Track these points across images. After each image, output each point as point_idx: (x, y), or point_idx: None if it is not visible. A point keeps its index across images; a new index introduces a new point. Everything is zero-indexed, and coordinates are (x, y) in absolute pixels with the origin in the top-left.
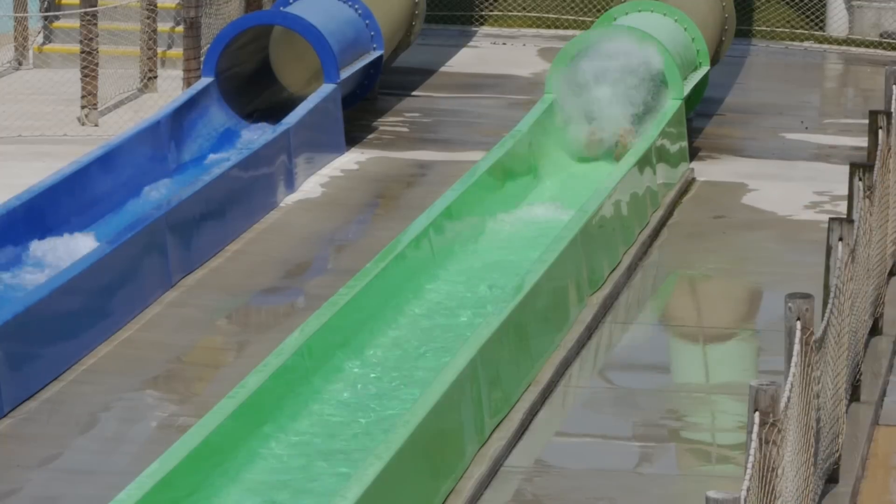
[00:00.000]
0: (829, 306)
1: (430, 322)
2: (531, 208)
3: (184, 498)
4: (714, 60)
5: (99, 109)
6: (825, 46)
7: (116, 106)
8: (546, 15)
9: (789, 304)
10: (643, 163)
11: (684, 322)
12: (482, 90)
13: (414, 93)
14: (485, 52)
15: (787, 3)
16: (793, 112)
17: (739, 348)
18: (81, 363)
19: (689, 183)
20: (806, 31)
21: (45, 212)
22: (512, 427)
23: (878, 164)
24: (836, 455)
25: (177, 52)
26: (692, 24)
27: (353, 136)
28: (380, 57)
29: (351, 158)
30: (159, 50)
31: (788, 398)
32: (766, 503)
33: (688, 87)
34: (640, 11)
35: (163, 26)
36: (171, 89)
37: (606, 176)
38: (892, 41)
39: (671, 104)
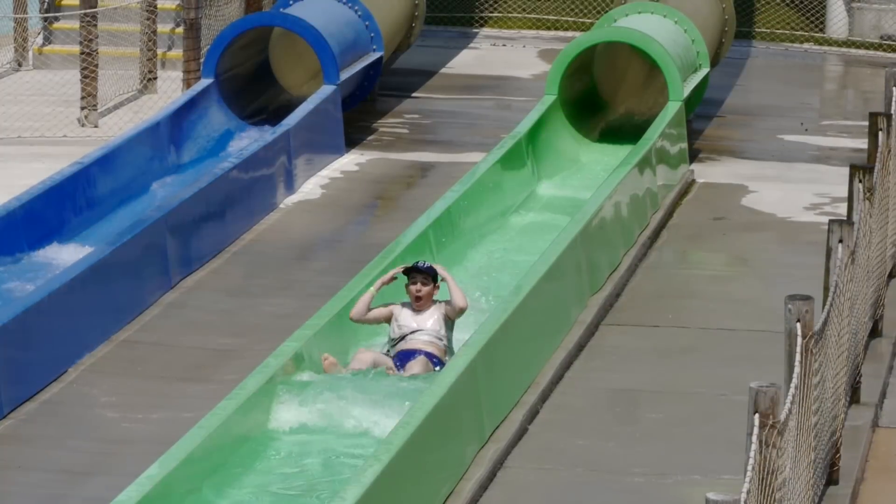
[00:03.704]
0: (829, 308)
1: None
2: (531, 210)
3: (183, 499)
4: (714, 62)
5: (99, 111)
6: (825, 48)
7: (116, 107)
8: (546, 16)
9: (789, 306)
10: (643, 164)
11: (684, 324)
12: (482, 92)
13: (414, 94)
14: (485, 54)
15: (787, 5)
16: (793, 114)
17: (739, 350)
18: (81, 363)
19: (688, 184)
20: (806, 33)
21: (44, 213)
22: (511, 428)
23: (878, 166)
24: (836, 457)
25: (176, 53)
26: (692, 26)
27: (353, 137)
28: (379, 58)
29: (350, 160)
30: (159, 51)
31: (788, 400)
32: None
33: (688, 89)
34: (640, 13)
35: (163, 28)
36: (170, 90)
37: (606, 177)
38: (891, 43)
39: (671, 106)
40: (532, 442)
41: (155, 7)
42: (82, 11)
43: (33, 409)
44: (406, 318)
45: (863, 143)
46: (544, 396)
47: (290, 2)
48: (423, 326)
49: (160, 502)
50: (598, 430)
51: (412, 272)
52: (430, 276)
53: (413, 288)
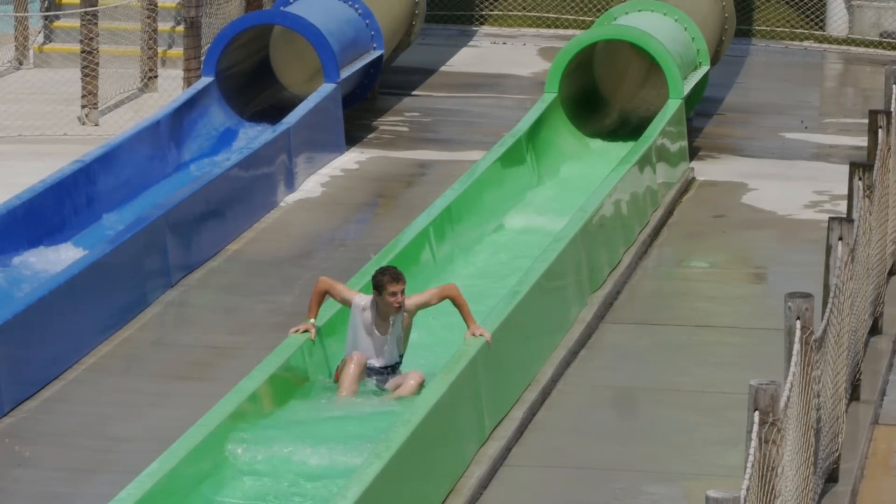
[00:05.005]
0: (829, 305)
1: (431, 321)
2: (531, 208)
3: (184, 496)
4: (714, 60)
5: (99, 109)
6: (825, 46)
7: (117, 105)
8: (546, 14)
9: (789, 304)
10: (643, 162)
11: (684, 321)
12: (482, 90)
13: (414, 92)
14: (485, 52)
15: (787, 3)
16: (792, 111)
17: (739, 347)
18: (82, 363)
19: (688, 182)
20: (806, 31)
21: (45, 211)
22: (512, 426)
23: (877, 163)
24: (836, 454)
25: (177, 51)
26: (692, 24)
27: (353, 135)
28: (380, 56)
29: (351, 158)
30: (160, 49)
31: (788, 397)
32: (765, 502)
33: (688, 87)
34: (640, 11)
35: (163, 26)
36: (171, 89)
37: (606, 175)
38: (891, 41)
39: (671, 103)
40: (532, 440)
41: (155, 5)
42: (83, 10)
43: (34, 407)
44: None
45: (863, 141)
46: (545, 394)
47: (291, 0)
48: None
49: (161, 500)
50: (598, 428)
51: (386, 279)
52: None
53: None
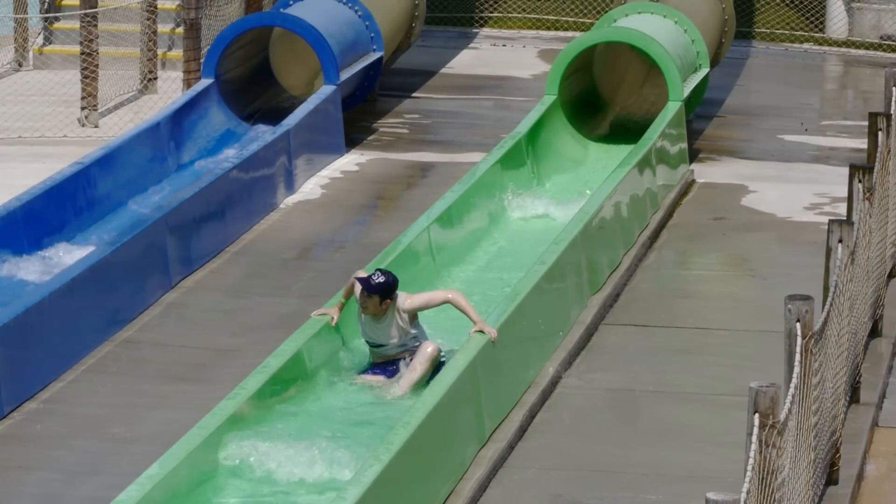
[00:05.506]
0: (829, 308)
1: (428, 324)
2: (531, 210)
3: (184, 499)
4: (714, 62)
5: (99, 111)
6: (825, 48)
7: (116, 107)
8: (546, 17)
9: (789, 306)
10: (643, 164)
11: (683, 324)
12: (482, 92)
13: (414, 94)
14: (485, 54)
15: (787, 5)
16: (792, 114)
17: (739, 350)
18: (81, 363)
19: (688, 184)
20: (806, 33)
21: (45, 213)
22: (512, 428)
23: (877, 165)
24: (836, 457)
25: (177, 53)
26: (692, 26)
27: (353, 137)
28: (380, 58)
29: (351, 160)
30: (159, 51)
31: (788, 400)
32: None
33: (687, 89)
34: (640, 13)
35: (163, 28)
36: (171, 91)
37: (606, 178)
38: (891, 43)
39: (671, 106)
40: (532, 442)
41: (155, 7)
42: (83, 11)
43: (34, 408)
44: (368, 325)
45: (862, 143)
46: (544, 396)
47: (290, 2)
48: (386, 342)
49: (161, 502)
50: (597, 430)
51: (363, 286)
52: (376, 294)
53: (361, 303)
